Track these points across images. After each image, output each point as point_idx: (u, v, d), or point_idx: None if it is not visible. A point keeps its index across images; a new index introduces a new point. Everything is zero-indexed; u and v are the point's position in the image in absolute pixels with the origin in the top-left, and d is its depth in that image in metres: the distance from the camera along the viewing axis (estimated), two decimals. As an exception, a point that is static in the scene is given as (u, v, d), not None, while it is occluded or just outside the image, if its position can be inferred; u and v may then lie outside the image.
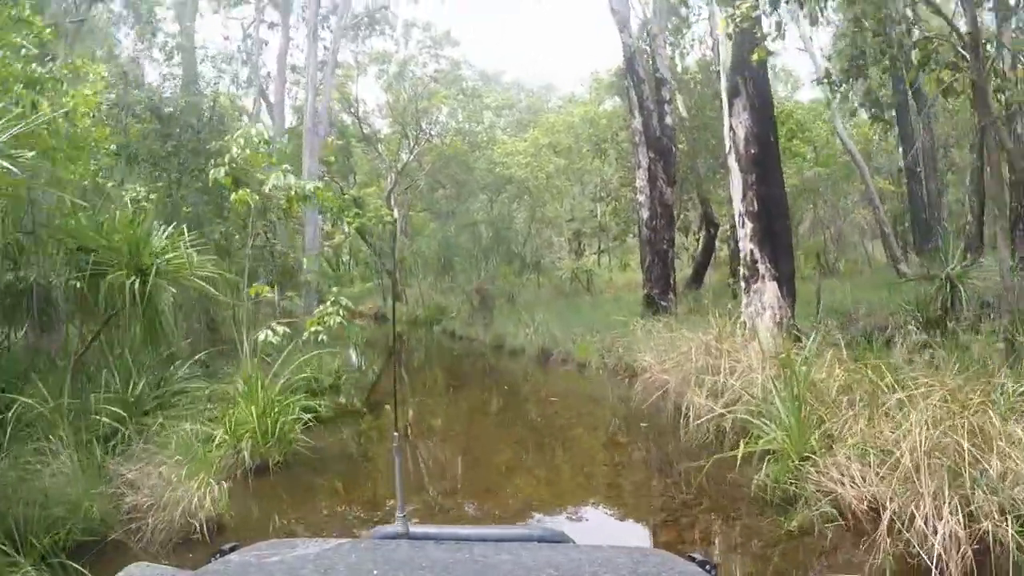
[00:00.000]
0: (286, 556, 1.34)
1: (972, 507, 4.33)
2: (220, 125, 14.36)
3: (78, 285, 7.33)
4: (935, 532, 4.24)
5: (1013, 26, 10.19)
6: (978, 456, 4.52)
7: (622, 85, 22.73)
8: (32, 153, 6.55)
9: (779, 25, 8.09)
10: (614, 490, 6.76)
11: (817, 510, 5.05)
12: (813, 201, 21.15)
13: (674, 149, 17.45)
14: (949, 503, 4.31)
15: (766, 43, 8.46)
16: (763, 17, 8.18)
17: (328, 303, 9.35)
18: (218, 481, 5.87)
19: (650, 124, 16.74)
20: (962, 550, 4.16)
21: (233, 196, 9.31)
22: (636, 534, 5.94)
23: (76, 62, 11.45)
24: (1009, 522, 4.19)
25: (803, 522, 5.06)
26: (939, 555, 4.17)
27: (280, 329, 8.71)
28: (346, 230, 31.97)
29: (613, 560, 1.35)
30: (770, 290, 9.06)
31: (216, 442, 6.99)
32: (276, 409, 7.69)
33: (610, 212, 27.87)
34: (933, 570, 4.15)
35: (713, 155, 22.06)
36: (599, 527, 6.11)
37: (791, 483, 5.44)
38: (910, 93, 21.25)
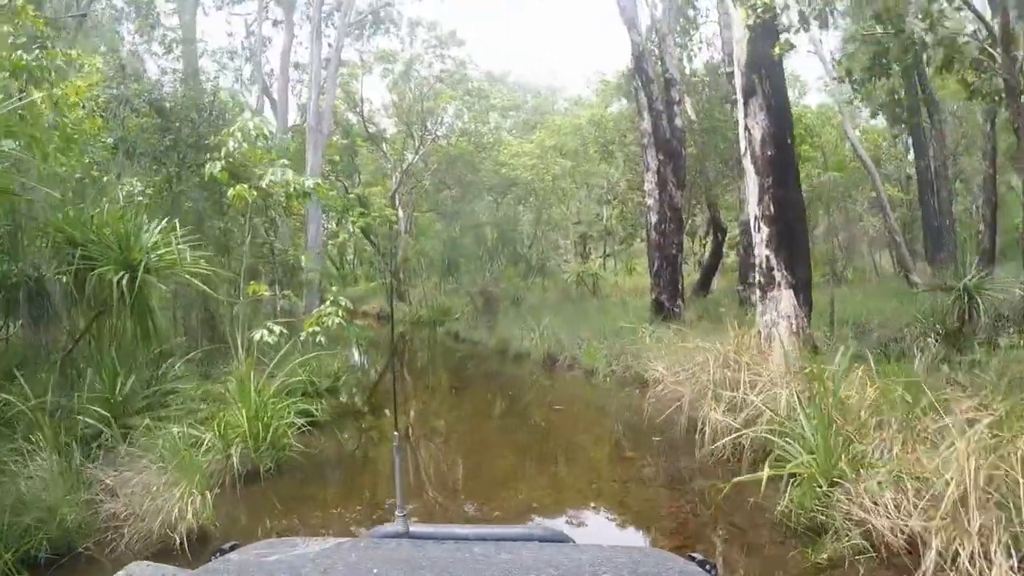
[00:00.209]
0: (286, 555, 1.33)
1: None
2: (220, 120, 14.01)
3: (64, 280, 6.98)
4: (982, 574, 3.88)
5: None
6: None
7: (630, 87, 22.43)
8: (13, 143, 6.22)
9: (803, 15, 7.74)
10: (623, 510, 6.34)
11: (848, 541, 4.64)
12: (826, 207, 20.78)
13: (683, 152, 17.09)
14: (999, 542, 3.94)
15: (788, 36, 8.14)
16: (782, 10, 7.83)
17: (327, 303, 8.98)
18: (202, 490, 5.52)
19: (659, 126, 16.40)
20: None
21: (230, 192, 8.99)
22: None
23: (72, 53, 11.20)
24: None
25: (832, 554, 4.64)
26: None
27: (276, 329, 8.35)
28: (350, 229, 32.01)
29: (613, 560, 1.35)
30: (786, 298, 8.70)
31: (205, 447, 6.64)
32: (269, 413, 7.34)
33: (617, 216, 27.58)
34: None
35: (721, 159, 21.80)
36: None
37: (818, 510, 5.04)
38: (922, 98, 20.98)
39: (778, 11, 7.76)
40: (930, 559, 4.12)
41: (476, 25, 76.02)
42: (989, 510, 4.06)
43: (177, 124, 13.68)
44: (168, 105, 14.14)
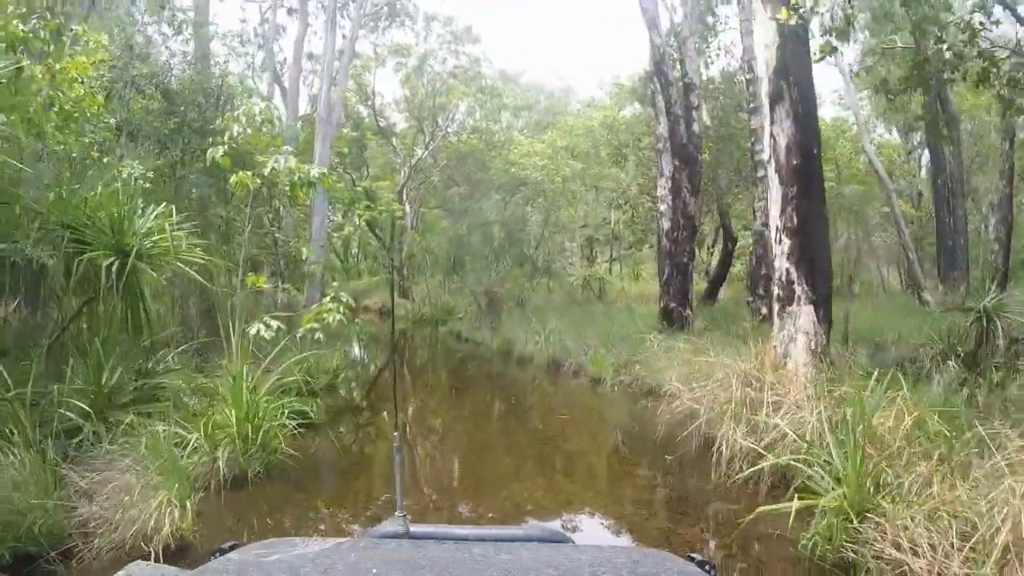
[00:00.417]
0: (286, 555, 1.32)
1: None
2: (228, 105, 13.68)
3: (51, 263, 6.63)
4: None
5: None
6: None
7: (645, 91, 22.17)
8: (3, 118, 5.89)
9: (848, 18, 7.37)
10: (634, 535, 5.95)
11: (881, 583, 4.25)
12: (845, 220, 20.43)
13: (699, 158, 16.72)
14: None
15: (829, 38, 7.78)
16: (824, 11, 7.47)
17: (327, 298, 8.62)
18: (184, 497, 5.15)
19: (677, 130, 16.03)
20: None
21: (232, 178, 8.65)
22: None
23: (77, 29, 10.90)
24: None
25: (865, 597, 4.25)
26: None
27: (274, 324, 8.00)
28: (356, 222, 31.77)
29: (612, 560, 1.34)
30: (806, 314, 8.32)
31: (191, 447, 6.28)
32: (260, 413, 6.97)
33: (627, 220, 27.25)
34: None
35: (735, 168, 21.47)
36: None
37: (848, 546, 4.64)
38: (944, 116, 20.66)
39: (820, 11, 7.37)
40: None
41: (476, 22, 75.45)
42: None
43: (183, 108, 13.37)
44: (175, 88, 13.84)
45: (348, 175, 34.18)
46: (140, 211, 7.43)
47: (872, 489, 4.84)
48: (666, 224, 16.66)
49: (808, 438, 5.82)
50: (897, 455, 5.11)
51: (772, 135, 8.79)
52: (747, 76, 18.59)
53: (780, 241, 8.56)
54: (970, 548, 4.04)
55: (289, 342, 9.20)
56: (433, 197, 34.01)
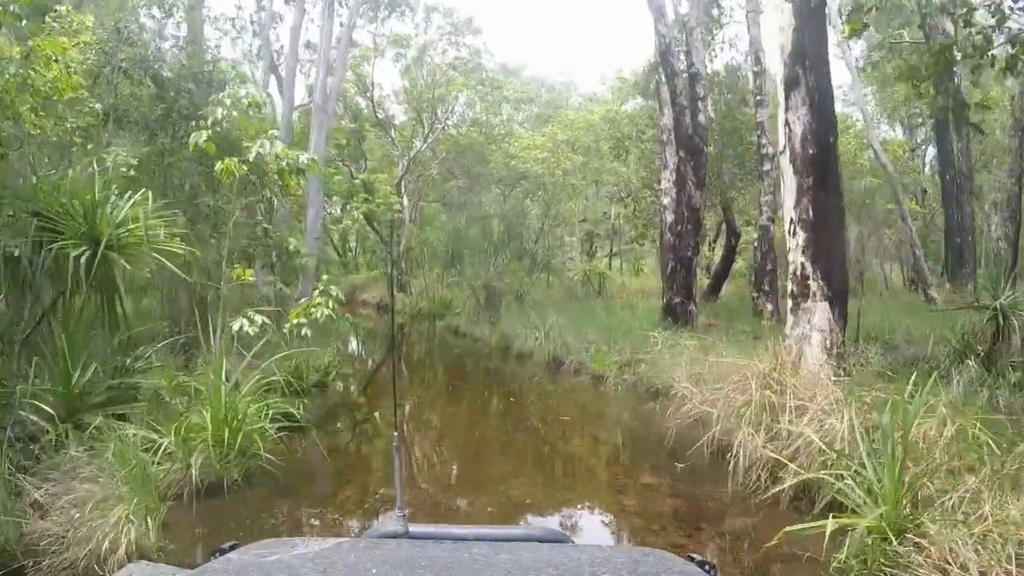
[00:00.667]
0: (285, 555, 1.31)
1: None
2: (220, 91, 13.21)
3: (16, 253, 6.18)
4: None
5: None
6: None
7: (648, 85, 21.84)
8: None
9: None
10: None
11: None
12: (856, 215, 19.97)
13: (705, 150, 16.28)
14: None
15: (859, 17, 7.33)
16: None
17: (316, 292, 8.17)
18: (149, 511, 4.70)
19: (682, 121, 15.57)
20: None
21: (218, 165, 8.20)
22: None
23: (61, 9, 10.49)
24: None
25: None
26: None
27: (258, 318, 7.54)
28: (355, 215, 31.41)
29: (612, 560, 1.33)
30: (821, 311, 7.88)
31: (165, 452, 5.82)
32: (240, 415, 6.48)
33: (629, 214, 26.83)
34: None
35: (739, 162, 21.06)
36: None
37: (887, 570, 4.14)
38: (953, 104, 20.21)
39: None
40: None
41: (484, 17, 74.85)
42: None
43: (173, 93, 12.91)
44: (165, 73, 13.38)
45: (346, 167, 33.80)
46: (115, 198, 6.93)
47: (909, 505, 4.37)
48: (670, 217, 16.24)
49: (837, 447, 5.32)
50: (937, 467, 4.64)
51: (787, 123, 8.36)
52: (754, 69, 18.24)
53: (794, 234, 8.13)
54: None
55: (279, 338, 8.78)
56: (432, 190, 33.60)
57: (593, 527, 6.17)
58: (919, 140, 32.28)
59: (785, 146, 8.36)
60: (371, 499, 6.57)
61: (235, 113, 8.13)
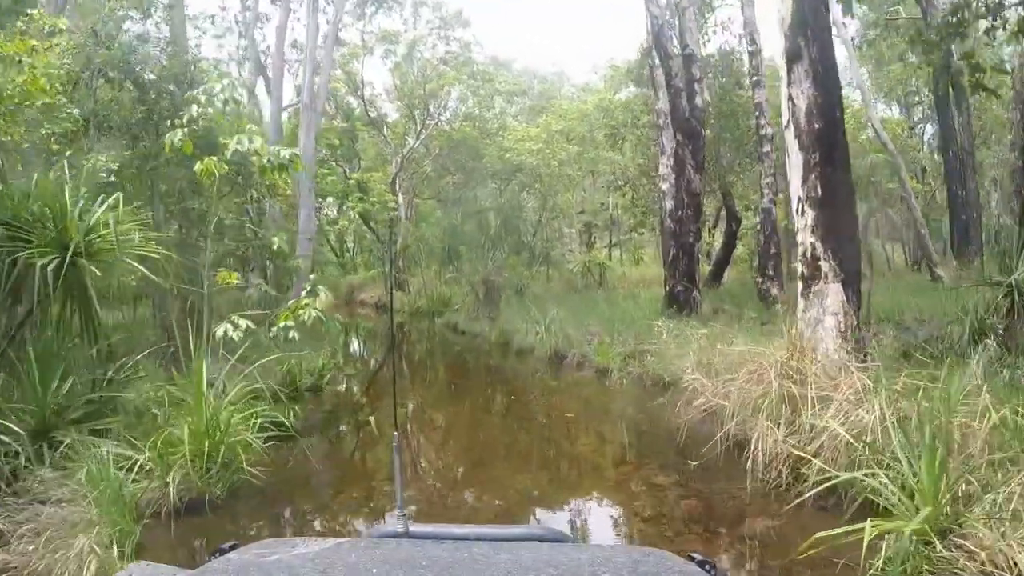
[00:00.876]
0: (285, 555, 1.31)
1: None
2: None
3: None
4: None
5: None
6: None
7: (641, 72, 21.47)
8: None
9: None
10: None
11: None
12: (864, 193, 19.57)
13: (703, 132, 15.91)
14: None
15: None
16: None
17: (304, 293, 7.80)
18: (120, 537, 4.32)
19: (678, 104, 15.21)
20: None
21: (197, 166, 7.83)
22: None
23: (34, 13, 10.14)
24: None
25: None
26: None
27: (242, 323, 7.17)
28: (351, 216, 31.14)
29: (613, 559, 1.32)
30: (834, 293, 7.49)
31: (144, 468, 5.44)
32: (223, 426, 6.09)
33: (627, 203, 26.48)
34: None
35: (737, 144, 20.71)
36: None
37: (925, 573, 3.75)
38: (950, 86, 19.89)
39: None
40: None
41: (473, 10, 74.37)
42: None
43: (154, 95, 12.54)
44: (145, 76, 13.00)
45: (340, 167, 33.51)
46: (85, 202, 6.55)
47: (950, 503, 3.97)
48: (669, 203, 15.86)
49: (867, 440, 4.89)
50: (978, 461, 4.24)
51: (790, 97, 7.96)
52: (749, 49, 17.88)
53: (803, 213, 7.74)
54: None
55: (270, 342, 8.42)
56: (427, 187, 33.28)
57: (602, 533, 5.79)
58: (916, 119, 31.96)
59: (789, 121, 7.97)
60: (364, 514, 6.19)
61: (210, 110, 7.72)
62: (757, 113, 17.01)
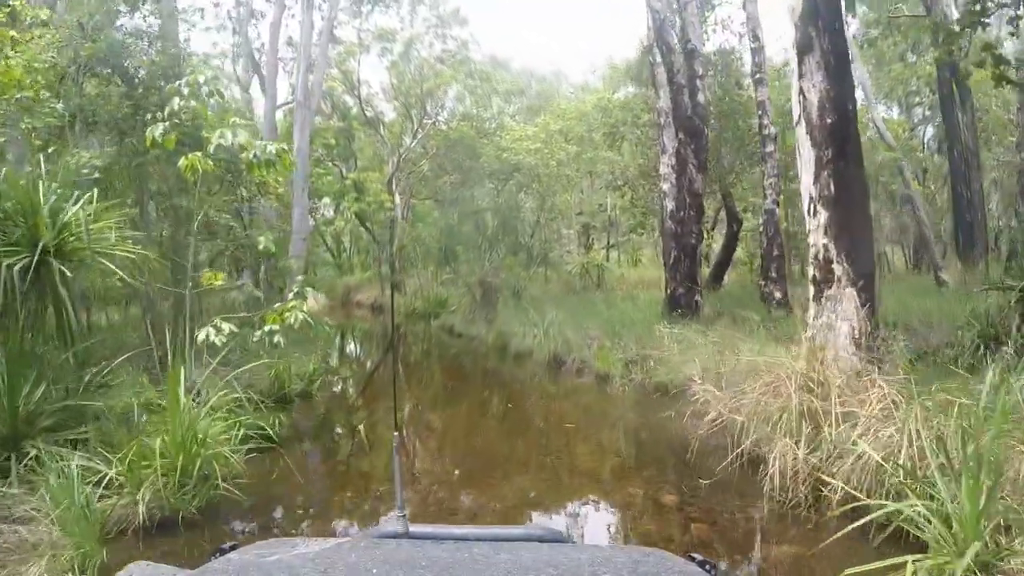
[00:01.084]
0: (286, 555, 1.29)
1: None
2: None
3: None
4: None
5: None
6: None
7: (641, 71, 21.20)
8: None
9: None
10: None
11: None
12: (874, 193, 19.23)
13: (706, 131, 15.57)
14: None
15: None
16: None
17: (291, 295, 7.44)
18: (82, 562, 3.95)
19: (680, 101, 14.87)
20: None
21: (181, 162, 7.48)
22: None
23: (15, 4, 9.84)
24: None
25: None
26: None
27: (225, 327, 6.81)
28: (347, 215, 30.81)
29: (612, 559, 1.31)
30: (848, 298, 7.13)
31: (115, 483, 5.06)
32: (202, 437, 5.69)
33: (626, 204, 26.14)
34: None
35: (739, 144, 20.37)
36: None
37: None
38: (954, 85, 19.61)
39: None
40: None
41: (470, 9, 74.01)
42: None
43: (141, 91, 12.19)
44: (132, 71, 12.66)
45: (336, 167, 33.22)
46: (56, 199, 6.18)
47: (991, 533, 3.59)
48: (670, 204, 15.52)
49: (900, 463, 4.49)
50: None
51: (801, 91, 7.63)
52: (752, 46, 17.51)
53: (815, 213, 7.39)
54: None
55: (259, 346, 8.07)
56: (423, 187, 32.97)
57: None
58: (915, 120, 31.68)
59: (800, 116, 7.63)
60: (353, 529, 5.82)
61: (193, 103, 7.36)
62: (760, 112, 16.65)
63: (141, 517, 4.92)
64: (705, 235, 25.87)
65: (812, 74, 7.52)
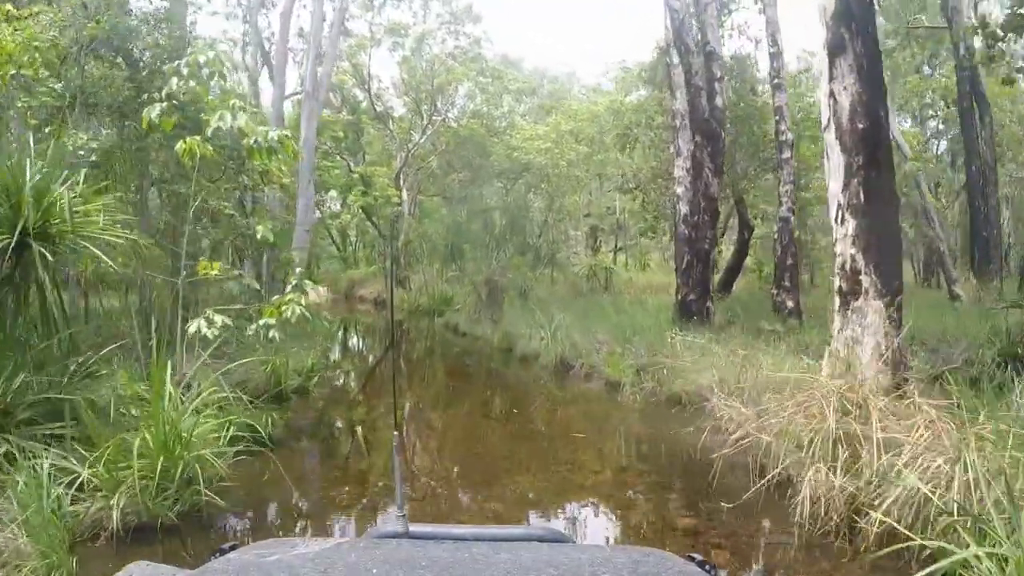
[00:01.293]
0: (285, 555, 1.29)
1: None
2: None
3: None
4: None
5: None
6: None
7: (654, 73, 20.85)
8: None
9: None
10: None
11: None
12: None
13: (723, 135, 15.23)
14: None
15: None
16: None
17: (289, 287, 7.10)
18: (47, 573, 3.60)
19: (698, 104, 14.53)
20: None
21: (178, 145, 7.14)
22: None
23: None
24: None
25: None
26: None
27: (218, 319, 6.47)
28: (353, 209, 30.54)
29: (613, 560, 1.30)
30: (874, 311, 6.76)
31: (84, 486, 4.69)
32: (187, 436, 5.31)
33: (636, 207, 25.80)
34: None
35: (753, 150, 20.03)
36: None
37: None
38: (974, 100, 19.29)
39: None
40: None
41: (483, 8, 73.78)
42: None
43: (146, 73, 11.88)
44: (136, 53, 12.35)
45: (344, 160, 32.99)
46: (41, 179, 5.83)
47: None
48: (684, 208, 15.18)
49: (953, 497, 4.08)
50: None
51: (831, 94, 7.25)
52: (771, 50, 17.18)
53: (843, 222, 7.01)
54: None
55: (255, 340, 7.73)
56: (432, 183, 32.70)
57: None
58: (928, 133, 31.33)
59: (830, 120, 7.25)
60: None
61: (192, 83, 7.02)
62: (777, 117, 16.31)
63: (115, 523, 4.53)
64: (717, 241, 25.64)
65: (843, 77, 7.14)
